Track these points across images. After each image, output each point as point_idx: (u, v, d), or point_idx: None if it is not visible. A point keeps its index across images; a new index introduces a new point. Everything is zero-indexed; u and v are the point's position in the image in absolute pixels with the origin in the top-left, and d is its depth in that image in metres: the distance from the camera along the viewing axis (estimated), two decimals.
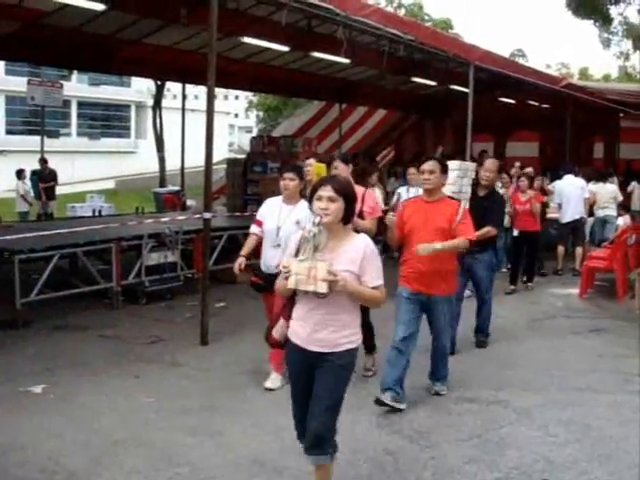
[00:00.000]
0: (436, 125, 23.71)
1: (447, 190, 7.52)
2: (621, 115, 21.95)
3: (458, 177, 8.57)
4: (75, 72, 43.16)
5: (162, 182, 27.03)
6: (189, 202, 19.23)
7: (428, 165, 6.80)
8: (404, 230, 6.80)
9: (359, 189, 6.64)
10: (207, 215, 8.72)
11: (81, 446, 5.70)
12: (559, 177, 14.98)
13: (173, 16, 11.46)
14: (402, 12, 36.32)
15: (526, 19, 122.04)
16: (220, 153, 35.09)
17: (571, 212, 14.01)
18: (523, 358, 8.41)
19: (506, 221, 12.13)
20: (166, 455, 5.56)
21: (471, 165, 9.21)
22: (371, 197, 7.43)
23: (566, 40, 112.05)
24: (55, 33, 12.55)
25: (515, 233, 12.11)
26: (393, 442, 5.84)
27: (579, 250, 14.04)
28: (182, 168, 18.65)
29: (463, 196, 8.25)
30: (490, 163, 8.94)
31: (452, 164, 8.03)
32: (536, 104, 20.87)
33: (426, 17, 37.34)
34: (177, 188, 20.02)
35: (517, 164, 14.29)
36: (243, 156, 19.10)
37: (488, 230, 8.10)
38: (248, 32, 12.60)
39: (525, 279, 12.77)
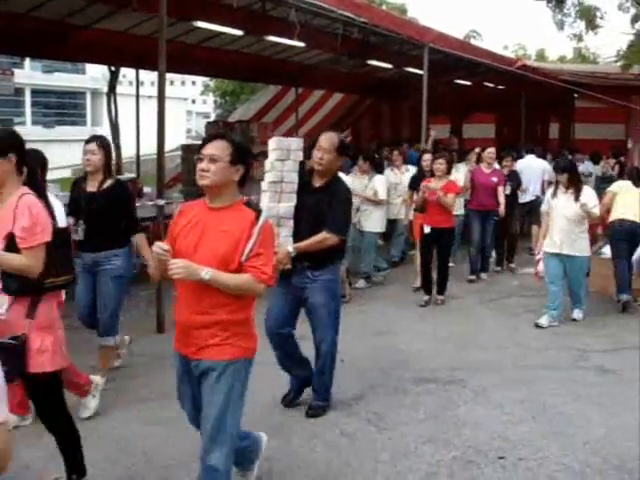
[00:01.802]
0: (393, 108, 23.74)
1: (264, 181, 6.11)
2: (575, 96, 22.13)
3: (277, 160, 6.08)
4: (28, 59, 42.60)
5: (119, 170, 26.70)
6: (146, 189, 19.05)
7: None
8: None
9: None
10: (160, 202, 8.65)
11: (35, 439, 5.63)
12: (520, 157, 15.11)
13: (124, 1, 11.29)
14: None
15: (482, 0, 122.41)
16: (178, 139, 34.85)
17: (530, 192, 14.12)
18: (479, 337, 8.50)
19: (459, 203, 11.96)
20: (122, 445, 5.52)
21: (295, 142, 6.44)
22: None
23: (524, 21, 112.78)
24: (2, 19, 12.31)
25: (426, 230, 10.13)
26: (350, 425, 5.86)
27: (535, 229, 14.16)
28: (137, 155, 18.51)
29: (286, 188, 6.07)
30: (325, 140, 6.00)
31: (270, 142, 6.27)
32: (492, 86, 20.96)
33: (381, 2, 37.30)
34: (133, 175, 19.81)
35: (477, 149, 14.21)
36: (199, 142, 18.94)
37: (324, 238, 5.73)
38: (201, 16, 12.43)
39: (437, 290, 10.42)
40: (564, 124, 24.01)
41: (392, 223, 12.70)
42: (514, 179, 12.88)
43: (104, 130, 42.65)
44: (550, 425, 5.89)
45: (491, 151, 12.28)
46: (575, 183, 9.16)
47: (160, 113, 8.40)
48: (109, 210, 6.48)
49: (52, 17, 12.56)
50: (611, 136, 22.17)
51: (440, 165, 10.02)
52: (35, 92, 57.31)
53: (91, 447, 5.36)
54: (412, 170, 12.71)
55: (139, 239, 6.89)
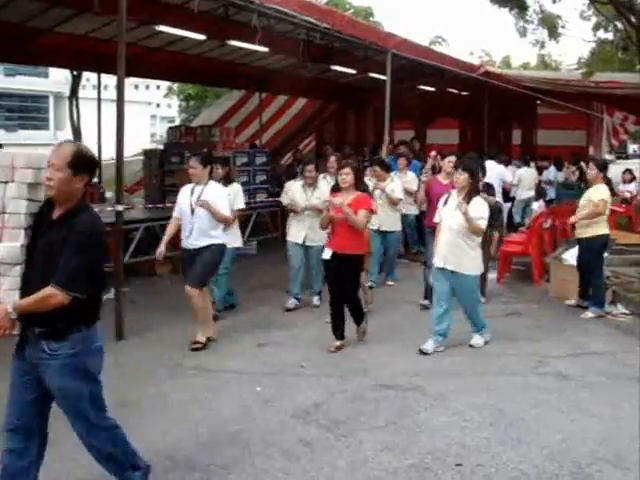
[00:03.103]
0: (358, 114, 23.76)
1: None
2: (538, 102, 22.34)
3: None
4: None
5: None
6: (108, 194, 18.91)
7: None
8: None
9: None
10: (119, 207, 8.55)
11: None
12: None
13: (85, 4, 11.18)
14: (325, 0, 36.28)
15: (451, 6, 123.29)
16: (141, 144, 34.65)
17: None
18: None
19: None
20: (79, 454, 5.42)
21: (23, 157, 5.40)
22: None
23: (490, 28, 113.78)
24: None
25: (326, 254, 8.24)
26: (308, 432, 5.83)
27: (495, 235, 14.19)
28: (99, 160, 18.29)
29: (9, 221, 5.00)
30: (56, 153, 4.25)
31: None
32: (456, 92, 21.08)
33: (347, 5, 37.35)
34: (95, 180, 19.65)
35: (433, 153, 13.95)
36: (161, 147, 18.81)
37: (47, 295, 4.05)
38: (163, 20, 12.37)
39: (354, 320, 8.59)
40: (527, 130, 24.24)
41: None
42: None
43: (67, 134, 42.35)
44: (508, 431, 5.90)
45: (451, 160, 10.08)
46: (471, 188, 8.06)
47: (119, 117, 8.32)
48: None
49: (12, 20, 12.42)
50: (572, 142, 22.42)
51: (346, 176, 8.16)
52: None
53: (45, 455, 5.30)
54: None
55: None
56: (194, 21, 11.70)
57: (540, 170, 18.98)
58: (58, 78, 55.79)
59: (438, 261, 8.14)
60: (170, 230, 8.48)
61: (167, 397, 6.64)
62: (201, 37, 13.52)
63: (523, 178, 17.58)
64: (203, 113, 25.30)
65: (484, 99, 19.23)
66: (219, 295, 9.59)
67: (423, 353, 7.92)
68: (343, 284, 8.15)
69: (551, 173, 19.00)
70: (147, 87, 73.84)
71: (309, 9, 11.64)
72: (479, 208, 8.01)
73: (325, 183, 10.51)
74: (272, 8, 10.53)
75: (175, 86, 39.67)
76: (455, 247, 8.01)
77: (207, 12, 11.22)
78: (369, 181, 10.67)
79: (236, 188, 9.83)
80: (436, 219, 8.45)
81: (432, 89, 20.27)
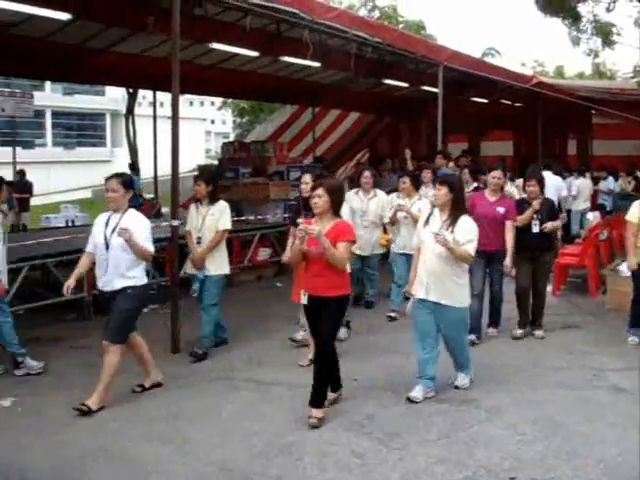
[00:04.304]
0: (410, 127, 23.73)
1: None
2: (593, 112, 22.09)
3: None
4: (48, 82, 43.09)
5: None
6: (164, 209, 19.19)
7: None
8: None
9: None
10: (175, 222, 8.71)
11: (50, 457, 5.69)
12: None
13: (140, 24, 11.41)
14: (376, 14, 36.38)
15: (503, 17, 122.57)
16: (196, 160, 35.00)
17: None
18: (494, 356, 8.43)
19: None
20: (135, 465, 5.56)
21: None
22: None
23: (542, 38, 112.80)
24: (23, 44, 12.48)
25: (304, 299, 6.60)
26: (361, 444, 5.85)
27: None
28: (155, 176, 18.63)
29: None
30: None
31: None
32: (509, 103, 20.98)
33: (400, 19, 37.41)
34: (151, 196, 19.97)
35: (408, 152, 13.64)
36: (215, 162, 19.04)
37: None
38: (217, 38, 12.56)
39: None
40: (581, 141, 23.95)
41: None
42: (550, 211, 9.40)
43: (124, 151, 43.03)
44: (563, 445, 5.85)
45: (495, 175, 9.13)
46: (453, 207, 6.94)
47: (174, 134, 8.47)
48: None
49: (70, 41, 12.74)
50: (628, 152, 22.10)
51: (319, 199, 6.40)
52: (56, 114, 57.85)
53: (102, 466, 5.43)
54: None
55: None
56: (247, 38, 11.86)
57: (596, 180, 18.79)
58: (114, 96, 56.69)
59: (418, 291, 6.95)
60: (81, 264, 7.11)
61: (221, 409, 6.72)
62: (254, 54, 13.70)
63: (580, 189, 17.43)
64: (257, 129, 25.53)
65: (538, 110, 19.09)
66: (207, 332, 8.58)
67: (412, 401, 6.80)
68: (321, 331, 6.49)
69: (610, 183, 18.80)
70: (202, 103, 74.68)
71: (360, 24, 11.74)
72: (467, 229, 6.89)
73: (379, 193, 10.69)
74: (323, 24, 10.65)
75: (230, 100, 40.05)
76: (440, 275, 6.83)
77: (259, 29, 11.35)
78: (398, 198, 10.24)
79: (221, 206, 8.62)
80: (414, 242, 7.35)
81: (485, 101, 20.19)
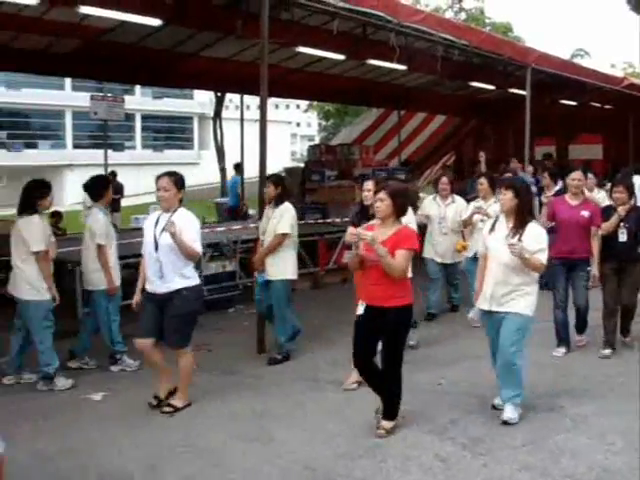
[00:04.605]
0: (496, 130, 23.49)
1: None
2: None
3: None
4: (138, 86, 44.04)
5: (223, 192, 27.34)
6: (251, 211, 19.42)
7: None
8: None
9: None
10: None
11: (137, 452, 5.84)
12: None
13: (229, 28, 11.59)
14: (463, 16, 36.14)
15: (592, 17, 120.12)
16: (282, 162, 35.29)
17: None
18: (581, 365, 8.27)
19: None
20: (220, 461, 5.65)
21: None
22: None
23: (633, 38, 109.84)
24: (115, 49, 12.83)
25: (360, 309, 6.20)
26: (445, 449, 5.82)
27: None
28: (242, 178, 18.85)
29: None
30: None
31: None
32: (598, 105, 20.56)
33: (487, 21, 37.08)
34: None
35: (482, 154, 13.52)
36: (302, 165, 19.21)
37: None
38: (303, 42, 12.68)
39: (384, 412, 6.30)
40: None
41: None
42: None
43: (211, 154, 43.65)
44: None
45: (575, 177, 8.62)
46: (520, 213, 6.47)
47: (262, 137, 8.58)
48: None
49: (161, 46, 13.02)
50: None
51: (381, 203, 6.05)
52: (145, 117, 59.08)
53: (187, 461, 5.54)
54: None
55: None
56: (333, 41, 11.91)
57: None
58: (202, 100, 57.64)
59: (483, 302, 6.57)
60: (143, 272, 7.00)
61: (306, 409, 6.77)
62: (340, 57, 13.77)
63: None
64: (342, 132, 25.64)
65: (628, 112, 18.65)
66: (282, 339, 8.51)
67: (507, 424, 6.33)
68: (385, 347, 6.18)
69: None
70: (287, 106, 75.30)
71: (447, 26, 11.66)
72: (536, 237, 6.38)
73: (457, 199, 10.55)
74: (410, 27, 10.62)
75: (315, 102, 40.34)
76: (506, 285, 6.39)
77: (345, 32, 11.39)
78: (476, 202, 9.95)
79: (283, 210, 8.43)
80: (480, 249, 7.00)
81: (574, 103, 19.83)
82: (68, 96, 51.45)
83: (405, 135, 21.81)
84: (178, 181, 6.79)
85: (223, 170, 28.58)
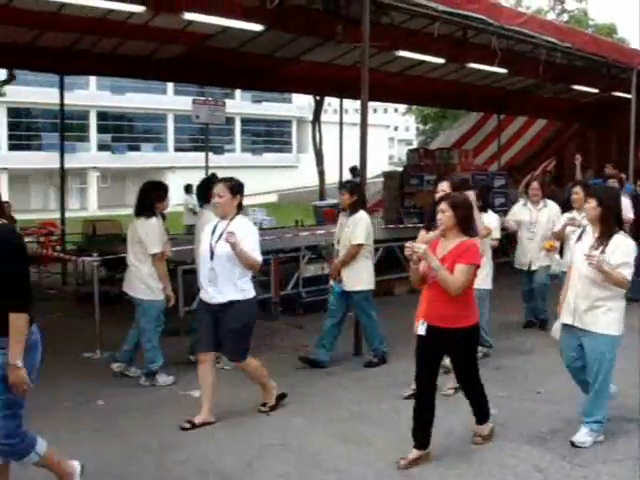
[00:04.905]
0: (599, 134, 22.91)
1: None
2: None
3: None
4: (238, 90, 44.75)
5: (322, 195, 27.57)
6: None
7: None
8: None
9: None
10: None
11: (234, 449, 5.94)
12: None
13: (329, 33, 11.69)
14: (565, 18, 35.46)
15: None
16: (380, 166, 35.34)
17: None
18: None
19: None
20: (315, 461, 5.69)
21: None
22: None
23: None
24: (217, 54, 13.10)
25: (420, 329, 5.71)
26: (544, 459, 5.72)
27: None
28: (340, 181, 18.91)
29: None
30: None
31: None
32: None
33: (590, 22, 36.30)
34: (336, 201, 20.32)
35: (578, 158, 12.86)
36: (400, 169, 19.18)
37: None
38: (403, 46, 12.68)
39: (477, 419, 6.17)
40: None
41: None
42: None
43: (309, 157, 44.06)
44: None
45: None
46: (604, 223, 5.94)
47: (362, 141, 8.63)
48: None
49: (261, 51, 13.23)
50: None
51: (442, 214, 5.69)
52: (245, 121, 60.02)
53: (282, 460, 5.61)
54: None
55: None
56: (433, 45, 11.90)
57: None
58: (301, 104, 58.22)
59: (564, 316, 6.16)
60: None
61: (401, 414, 6.73)
62: (440, 61, 13.70)
63: None
64: (441, 136, 25.53)
65: None
66: (374, 344, 8.54)
67: (576, 446, 5.96)
68: (456, 366, 6.03)
69: None
70: (385, 110, 75.33)
71: (549, 28, 11.51)
72: (621, 250, 5.86)
73: (550, 204, 10.20)
74: (511, 29, 10.52)
75: (413, 106, 40.24)
76: (587, 299, 5.95)
77: (445, 36, 11.36)
78: (569, 213, 9.24)
79: (357, 219, 8.23)
80: (567, 259, 6.71)
81: None
82: (170, 100, 52.79)
83: (505, 139, 21.54)
84: (233, 187, 6.52)
85: (322, 173, 28.80)
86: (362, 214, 8.29)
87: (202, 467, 5.61)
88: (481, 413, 6.06)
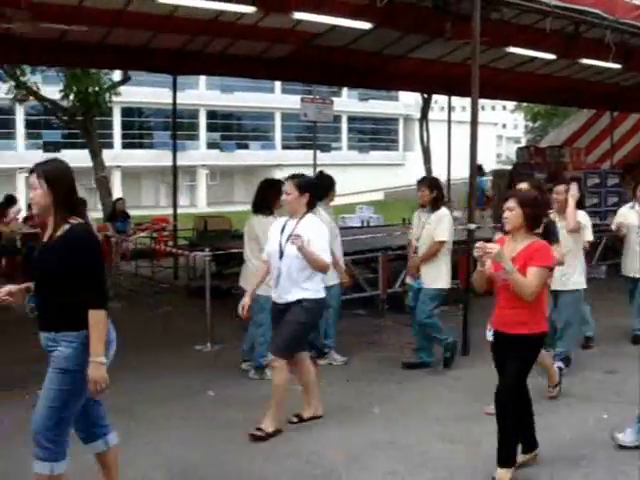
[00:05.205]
0: None
1: None
2: None
3: None
4: (345, 88, 44.95)
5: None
6: (456, 213, 19.30)
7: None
8: None
9: None
10: (472, 226, 8.74)
11: (341, 444, 6.00)
12: None
13: (438, 30, 11.63)
14: None
15: None
16: (487, 164, 34.89)
17: None
18: None
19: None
20: (422, 459, 5.68)
21: None
22: None
23: None
24: (325, 53, 13.21)
25: (488, 335, 5.76)
26: None
27: None
28: (448, 180, 18.78)
29: None
30: None
31: None
32: None
33: None
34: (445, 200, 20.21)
35: None
36: (509, 167, 18.91)
37: None
38: (513, 42, 12.51)
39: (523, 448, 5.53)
40: None
41: None
42: None
43: (416, 155, 43.87)
44: None
45: None
46: None
47: (472, 138, 8.56)
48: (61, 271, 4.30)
49: (369, 49, 13.27)
50: None
51: (509, 212, 5.24)
52: (351, 119, 60.25)
53: (389, 457, 5.63)
54: None
55: None
56: (543, 41, 11.73)
57: None
58: (407, 101, 58.02)
59: None
60: (257, 274, 6.74)
61: None
62: (551, 57, 13.46)
63: None
64: (550, 134, 25.03)
65: None
66: (421, 346, 8.29)
67: (622, 447, 5.77)
68: (505, 376, 5.32)
69: None
70: (493, 108, 74.33)
71: None
72: None
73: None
74: (626, 23, 10.25)
75: (523, 104, 39.58)
76: None
77: (557, 31, 11.17)
78: None
79: (440, 215, 8.03)
80: None
81: None
82: (278, 99, 53.38)
83: (618, 137, 20.95)
84: (302, 184, 6.29)
85: (429, 171, 28.63)
86: (444, 211, 8.13)
87: (310, 459, 5.68)
88: (506, 448, 5.25)
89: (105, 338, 4.26)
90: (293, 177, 6.39)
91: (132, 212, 17.48)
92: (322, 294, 6.36)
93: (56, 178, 4.31)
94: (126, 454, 4.96)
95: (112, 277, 13.43)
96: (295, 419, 6.48)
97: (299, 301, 6.17)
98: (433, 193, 7.99)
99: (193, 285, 12.57)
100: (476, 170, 8.91)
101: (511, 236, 5.26)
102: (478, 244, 5.14)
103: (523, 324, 5.13)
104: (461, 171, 18.91)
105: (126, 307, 11.68)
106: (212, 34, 12.31)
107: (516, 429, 5.28)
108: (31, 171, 4.36)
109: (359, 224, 19.62)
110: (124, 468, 4.82)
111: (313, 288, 6.23)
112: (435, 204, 8.00)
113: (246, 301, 6.43)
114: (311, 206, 6.33)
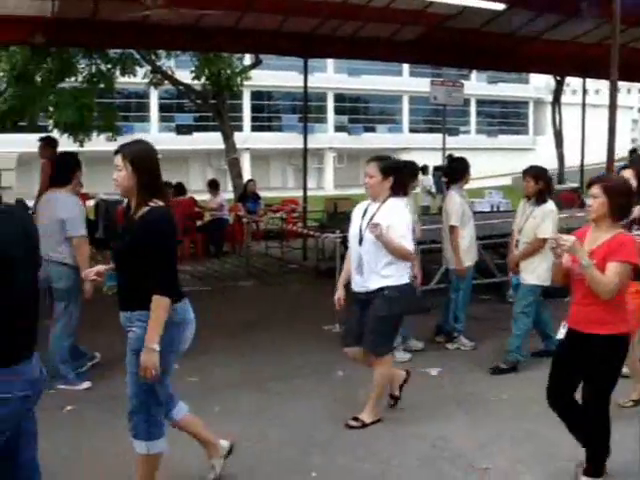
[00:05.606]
0: None
1: None
2: None
3: None
4: (474, 71, 44.35)
5: (560, 179, 26.78)
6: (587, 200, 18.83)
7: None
8: None
9: None
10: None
11: (470, 431, 6.00)
12: None
13: (573, 9, 11.34)
14: None
15: None
16: (622, 149, 33.78)
17: None
18: None
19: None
20: (551, 450, 5.57)
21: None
22: None
23: None
24: (456, 35, 13.08)
25: (560, 333, 4.98)
26: None
27: None
28: (582, 165, 18.36)
29: None
30: None
31: None
32: None
33: None
34: (576, 185, 19.71)
35: None
36: None
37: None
38: None
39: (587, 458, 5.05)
40: None
41: None
42: None
43: (546, 139, 42.90)
44: None
45: None
46: None
47: (611, 122, 8.36)
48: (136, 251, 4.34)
49: (501, 30, 13.08)
50: None
51: (593, 200, 4.74)
52: (480, 102, 59.33)
53: (518, 446, 5.57)
54: None
55: None
56: None
57: None
58: (538, 84, 56.64)
59: None
60: (345, 268, 6.36)
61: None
62: None
63: None
64: None
65: None
66: (512, 345, 7.62)
67: None
68: (585, 385, 4.90)
69: None
70: (629, 91, 71.62)
71: None
72: None
73: None
74: None
75: None
76: None
77: None
78: None
79: (546, 210, 7.52)
80: None
81: None
82: (405, 82, 53.12)
83: None
84: (385, 168, 5.99)
85: (561, 156, 27.98)
86: (551, 205, 7.59)
87: (437, 444, 5.70)
88: (594, 463, 4.94)
89: (161, 325, 4.20)
90: (376, 159, 6.08)
91: (262, 194, 17.81)
92: (405, 279, 6.00)
93: (141, 160, 4.30)
94: (256, 427, 5.10)
95: (244, 256, 13.77)
96: (356, 423, 6.10)
97: (381, 289, 5.88)
98: (539, 184, 7.52)
99: (322, 266, 12.74)
100: (614, 155, 8.61)
101: (594, 225, 4.81)
102: (553, 235, 4.98)
103: (601, 323, 4.68)
104: (595, 155, 18.46)
105: (257, 285, 11.99)
106: (343, 17, 12.38)
107: (604, 439, 4.92)
108: (116, 152, 4.34)
109: (488, 209, 19.35)
110: (254, 440, 4.93)
111: (395, 274, 5.91)
112: (540, 196, 7.54)
113: (338, 294, 6.27)
114: (395, 190, 6.02)
